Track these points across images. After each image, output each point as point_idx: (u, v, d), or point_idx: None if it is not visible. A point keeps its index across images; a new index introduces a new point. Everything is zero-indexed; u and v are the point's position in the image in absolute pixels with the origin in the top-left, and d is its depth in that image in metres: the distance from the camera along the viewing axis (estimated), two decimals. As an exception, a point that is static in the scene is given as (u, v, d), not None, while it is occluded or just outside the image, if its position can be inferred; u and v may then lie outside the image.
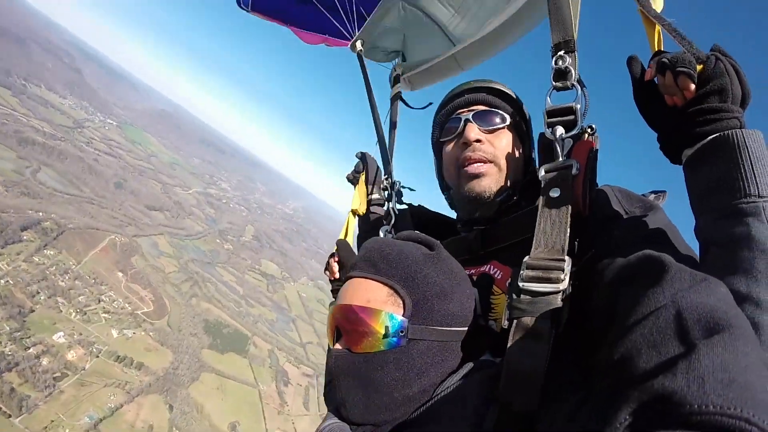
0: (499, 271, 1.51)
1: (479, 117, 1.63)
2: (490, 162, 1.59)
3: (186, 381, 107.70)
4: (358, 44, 2.56)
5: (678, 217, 1.36)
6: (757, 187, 0.96)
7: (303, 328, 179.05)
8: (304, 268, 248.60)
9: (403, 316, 1.15)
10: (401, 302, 1.16)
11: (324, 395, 1.83)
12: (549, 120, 1.39)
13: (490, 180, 1.58)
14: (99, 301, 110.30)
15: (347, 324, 1.18)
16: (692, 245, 1.16)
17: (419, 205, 2.23)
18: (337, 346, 1.21)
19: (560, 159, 1.33)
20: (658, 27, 1.31)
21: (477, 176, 1.58)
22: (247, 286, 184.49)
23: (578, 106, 1.35)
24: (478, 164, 1.58)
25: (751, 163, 0.97)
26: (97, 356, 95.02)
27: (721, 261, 1.00)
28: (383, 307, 1.15)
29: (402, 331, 1.13)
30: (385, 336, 1.12)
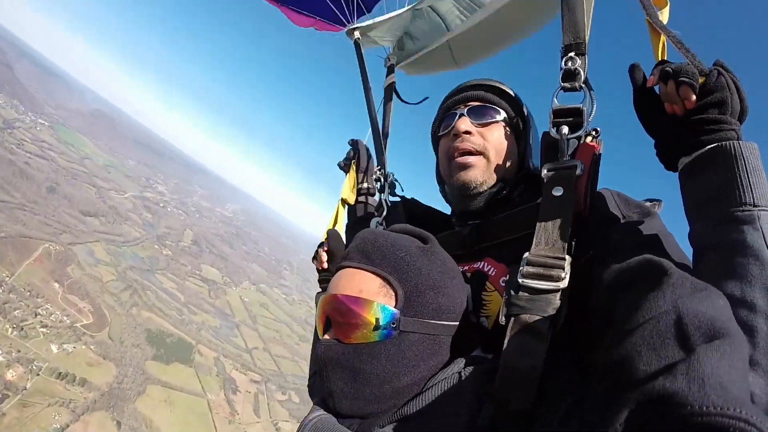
0: (493, 269, 1.50)
1: (473, 111, 1.66)
2: (479, 153, 1.60)
3: (132, 395, 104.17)
4: (356, 33, 2.56)
5: (672, 225, 1.34)
6: (753, 197, 0.99)
7: (248, 333, 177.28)
8: (245, 272, 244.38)
9: (395, 307, 1.14)
10: (393, 294, 1.16)
11: (309, 387, 1.89)
12: (555, 119, 1.39)
13: (477, 171, 1.59)
14: (36, 315, 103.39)
15: (338, 314, 1.17)
16: (687, 253, 1.18)
17: (412, 198, 2.20)
18: (327, 336, 1.20)
19: (565, 158, 1.33)
20: (663, 38, 1.34)
21: (464, 166, 1.60)
22: (189, 293, 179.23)
23: (585, 108, 1.36)
24: (466, 155, 1.60)
25: (747, 174, 1.01)
26: (38, 374, 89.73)
27: (716, 266, 1.02)
28: (375, 298, 1.14)
29: (394, 323, 1.12)
30: (377, 327, 1.11)
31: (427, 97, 2.65)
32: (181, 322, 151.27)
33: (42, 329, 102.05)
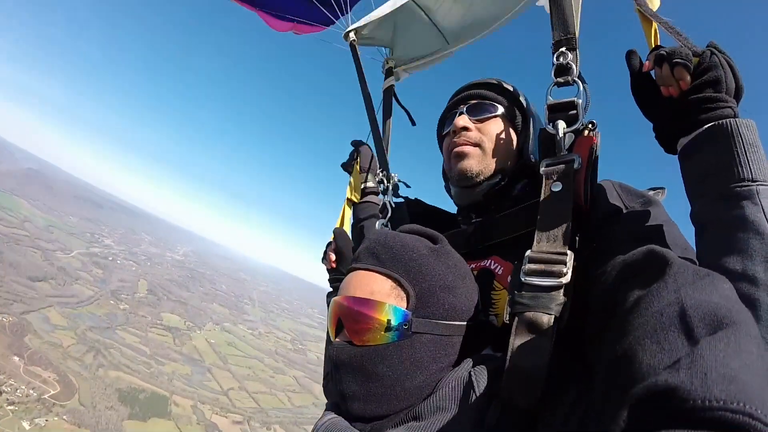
0: (500, 267, 1.50)
1: (472, 108, 1.70)
2: (476, 145, 1.63)
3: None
4: (351, 35, 2.50)
5: (676, 213, 1.34)
6: (751, 172, 1.00)
7: (221, 375, 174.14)
8: (207, 313, 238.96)
9: (406, 308, 1.14)
10: (405, 295, 1.16)
11: (323, 387, 1.94)
12: (550, 115, 1.41)
13: (472, 160, 1.62)
14: (0, 393, 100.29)
15: (350, 316, 1.17)
16: (691, 240, 1.18)
17: (416, 198, 2.19)
18: (339, 338, 1.20)
19: (562, 153, 1.34)
20: (654, 25, 1.36)
21: (460, 155, 1.64)
22: (153, 344, 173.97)
23: (579, 101, 1.37)
24: (462, 146, 1.64)
25: (745, 150, 1.01)
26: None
27: (716, 242, 1.02)
28: (387, 300, 1.14)
29: (405, 324, 1.12)
30: (389, 329, 1.11)
31: (414, 124, 2.76)
32: (151, 375, 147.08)
33: (10, 407, 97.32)
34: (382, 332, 1.11)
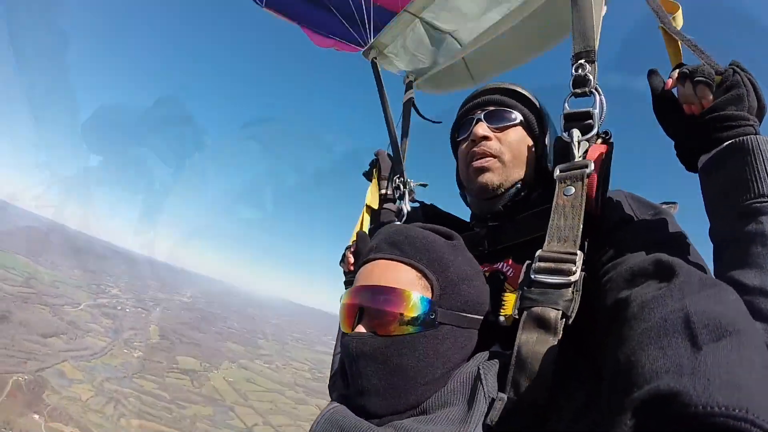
0: (512, 270, 1.52)
1: (490, 116, 1.69)
2: (495, 157, 1.63)
3: None
4: (372, 52, 2.63)
5: (690, 228, 1.32)
6: None
7: (243, 412, 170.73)
8: (222, 352, 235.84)
9: (432, 299, 1.14)
10: (429, 285, 1.16)
11: (329, 387, 1.90)
12: (566, 124, 1.43)
13: (493, 174, 1.62)
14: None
15: (374, 305, 1.15)
16: (703, 253, 1.17)
17: (431, 204, 2.25)
18: (360, 329, 1.16)
19: (576, 160, 1.35)
20: (678, 43, 1.37)
21: (481, 170, 1.63)
22: (172, 389, 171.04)
23: (595, 111, 1.39)
24: (483, 158, 1.63)
25: (764, 165, 1.00)
26: None
27: (733, 257, 1.02)
28: (413, 289, 1.13)
29: (432, 314, 1.12)
30: (416, 319, 1.10)
31: (440, 122, 2.76)
32: (173, 420, 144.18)
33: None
34: (409, 322, 1.10)
